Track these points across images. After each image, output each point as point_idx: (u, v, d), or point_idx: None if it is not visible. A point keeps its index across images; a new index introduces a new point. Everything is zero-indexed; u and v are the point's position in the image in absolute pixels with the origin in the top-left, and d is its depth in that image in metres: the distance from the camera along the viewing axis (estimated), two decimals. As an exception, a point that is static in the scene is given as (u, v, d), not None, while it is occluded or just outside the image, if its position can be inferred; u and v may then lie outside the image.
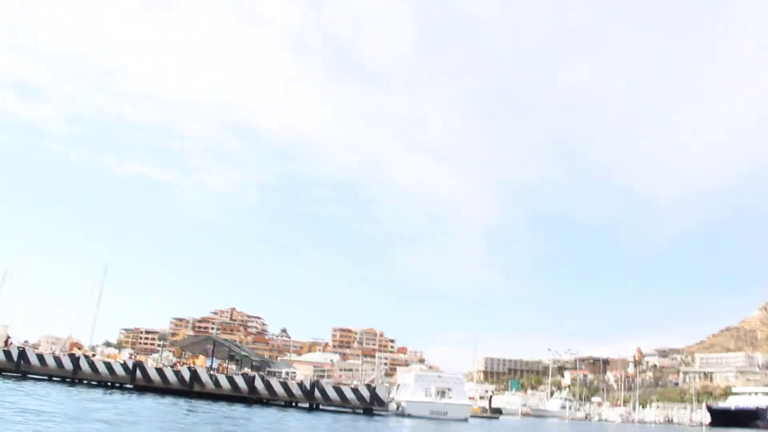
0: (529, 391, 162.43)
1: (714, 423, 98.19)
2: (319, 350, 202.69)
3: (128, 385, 53.76)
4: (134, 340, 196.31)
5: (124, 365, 54.11)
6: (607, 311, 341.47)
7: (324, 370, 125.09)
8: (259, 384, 52.79)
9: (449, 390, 57.71)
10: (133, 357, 70.68)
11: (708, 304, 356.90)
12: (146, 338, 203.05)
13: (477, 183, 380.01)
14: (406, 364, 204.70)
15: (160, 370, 53.52)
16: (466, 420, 55.20)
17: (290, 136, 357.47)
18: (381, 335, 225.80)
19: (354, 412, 51.05)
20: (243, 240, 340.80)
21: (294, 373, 68.52)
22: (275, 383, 53.40)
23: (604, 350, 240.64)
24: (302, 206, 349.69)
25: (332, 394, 52.77)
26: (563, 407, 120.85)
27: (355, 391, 53.11)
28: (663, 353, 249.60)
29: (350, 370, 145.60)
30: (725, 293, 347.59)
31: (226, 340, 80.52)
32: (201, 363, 72.34)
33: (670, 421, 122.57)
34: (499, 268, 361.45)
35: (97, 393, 42.25)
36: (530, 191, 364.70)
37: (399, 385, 60.50)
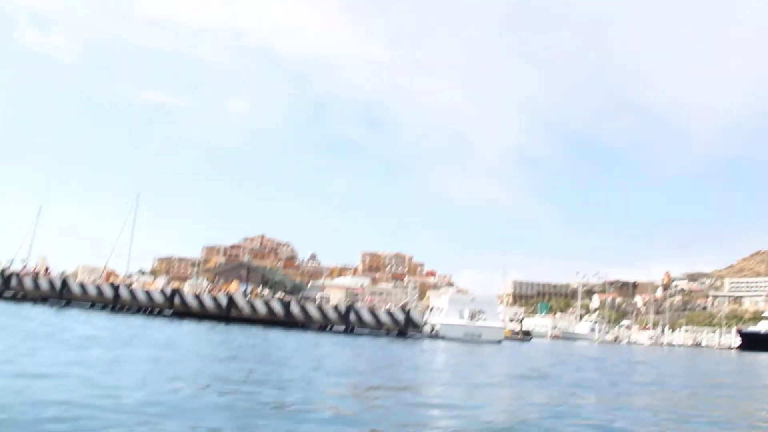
0: (558, 315, 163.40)
1: (744, 346, 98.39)
2: (349, 275, 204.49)
3: (166, 312, 54.96)
4: (168, 268, 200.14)
5: (163, 292, 55.11)
6: (636, 234, 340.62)
7: (355, 294, 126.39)
8: (295, 309, 53.64)
9: (483, 312, 58.20)
10: (168, 284, 71.81)
11: (738, 227, 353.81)
12: (179, 266, 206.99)
13: (501, 103, 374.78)
14: (435, 287, 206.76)
15: (197, 297, 54.49)
16: (499, 342, 55.82)
17: (310, 60, 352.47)
18: (410, 259, 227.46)
19: (388, 335, 51.74)
20: (268, 166, 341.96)
21: (327, 297, 69.46)
22: (311, 308, 54.19)
23: (632, 274, 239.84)
24: (325, 130, 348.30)
25: (367, 317, 53.50)
26: (592, 330, 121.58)
27: (390, 314, 53.77)
28: (692, 277, 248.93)
29: (381, 294, 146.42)
30: (756, 216, 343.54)
31: (259, 266, 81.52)
32: (234, 289, 73.55)
33: (698, 345, 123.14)
34: (525, 190, 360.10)
35: (138, 319, 43.16)
36: (556, 111, 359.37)
37: (432, 308, 61.05)
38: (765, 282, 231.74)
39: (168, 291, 55.47)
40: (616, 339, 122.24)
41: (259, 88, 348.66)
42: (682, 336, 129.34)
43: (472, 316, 57.45)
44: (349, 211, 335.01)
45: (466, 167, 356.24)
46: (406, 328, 53.09)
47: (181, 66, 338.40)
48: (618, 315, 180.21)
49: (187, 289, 67.41)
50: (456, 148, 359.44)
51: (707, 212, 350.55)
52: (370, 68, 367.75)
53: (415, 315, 53.85)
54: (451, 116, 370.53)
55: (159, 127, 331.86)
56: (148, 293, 54.87)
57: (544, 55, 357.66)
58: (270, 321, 52.75)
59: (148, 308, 54.83)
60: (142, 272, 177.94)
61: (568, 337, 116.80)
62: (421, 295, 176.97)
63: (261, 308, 53.63)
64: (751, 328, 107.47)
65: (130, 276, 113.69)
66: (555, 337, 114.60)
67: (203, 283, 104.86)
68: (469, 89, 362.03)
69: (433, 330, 56.42)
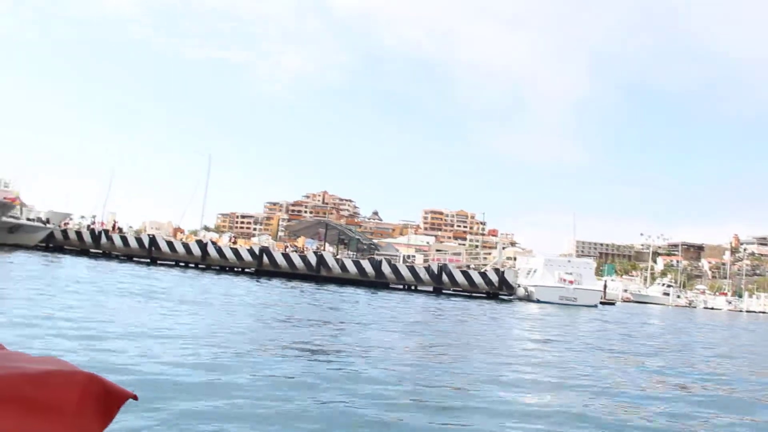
0: (624, 277, 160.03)
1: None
2: (411, 232, 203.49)
3: (249, 270, 54.65)
4: (231, 225, 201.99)
5: (251, 251, 54.69)
6: (703, 192, 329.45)
7: (423, 252, 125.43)
8: (386, 268, 52.72)
9: (579, 275, 56.46)
10: (232, 240, 71.29)
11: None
12: (242, 222, 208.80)
13: (560, 54, 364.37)
14: (496, 246, 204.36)
15: (286, 256, 53.96)
16: (595, 306, 54.11)
17: (365, 14, 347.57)
18: (472, 217, 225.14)
19: (478, 297, 50.55)
20: (328, 122, 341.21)
21: (407, 256, 68.43)
22: (402, 268, 53.20)
23: (698, 235, 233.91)
24: (383, 85, 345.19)
25: (460, 278, 52.33)
26: (665, 294, 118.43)
27: (484, 275, 52.49)
28: (762, 240, 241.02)
29: (446, 252, 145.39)
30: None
31: (338, 223, 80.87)
32: (301, 244, 73.16)
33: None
34: (587, 145, 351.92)
35: (227, 277, 42.64)
36: (618, 61, 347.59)
37: (528, 269, 59.43)
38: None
39: (256, 250, 54.99)
40: (690, 303, 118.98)
41: (316, 43, 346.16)
42: (761, 302, 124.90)
43: (568, 279, 55.76)
44: (410, 168, 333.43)
45: (525, 123, 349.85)
46: (500, 290, 51.82)
47: (239, 22, 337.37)
48: (684, 279, 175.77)
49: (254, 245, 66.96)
50: (515, 104, 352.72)
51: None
52: (424, 20, 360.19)
53: (510, 276, 52.40)
54: (507, 69, 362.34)
55: (219, 85, 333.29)
56: (236, 251, 54.52)
57: (606, 2, 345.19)
58: (359, 281, 52.11)
59: (236, 267, 54.66)
60: (207, 228, 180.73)
61: (640, 300, 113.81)
62: (487, 253, 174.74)
63: (351, 267, 52.86)
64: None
65: (195, 231, 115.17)
66: (626, 300, 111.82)
67: (268, 239, 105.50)
68: (527, 40, 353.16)
69: (526, 292, 54.96)
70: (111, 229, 59.20)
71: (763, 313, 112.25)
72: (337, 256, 56.56)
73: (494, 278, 52.08)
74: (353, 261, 53.97)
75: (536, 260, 61.23)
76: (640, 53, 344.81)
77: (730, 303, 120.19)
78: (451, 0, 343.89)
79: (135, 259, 54.91)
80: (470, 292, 52.29)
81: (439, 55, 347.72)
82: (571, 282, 54.79)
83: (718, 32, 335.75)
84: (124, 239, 56.07)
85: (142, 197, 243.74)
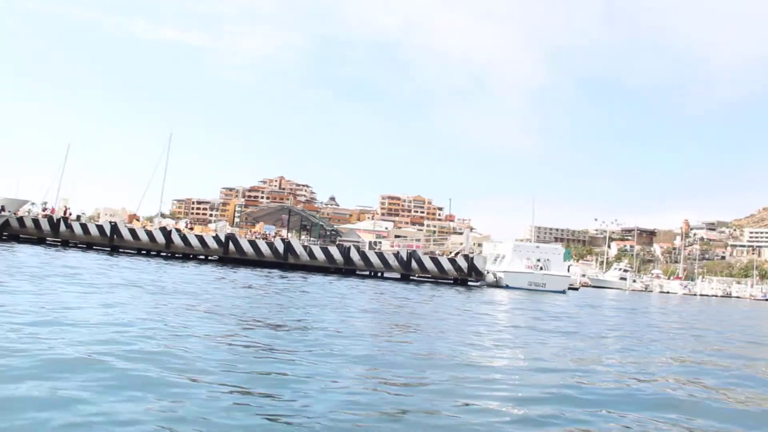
0: (580, 262, 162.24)
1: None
2: (368, 218, 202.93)
3: (213, 258, 53.55)
4: (186, 211, 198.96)
5: (217, 238, 53.54)
6: (655, 180, 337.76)
7: (382, 239, 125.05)
8: (354, 255, 52.18)
9: (548, 261, 56.74)
10: (189, 227, 69.44)
11: (760, 175, 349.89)
12: (198, 208, 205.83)
13: (522, 44, 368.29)
14: (454, 231, 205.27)
15: (253, 243, 52.98)
16: (564, 292, 54.42)
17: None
18: (429, 203, 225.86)
19: (447, 283, 50.41)
20: (285, 106, 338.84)
21: (373, 242, 67.97)
22: (371, 254, 52.72)
23: (650, 221, 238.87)
24: (342, 69, 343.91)
25: (429, 264, 52.08)
26: (622, 278, 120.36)
27: (453, 261, 52.29)
28: (711, 226, 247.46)
29: (405, 237, 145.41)
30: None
31: (302, 209, 79.95)
32: (259, 230, 72.11)
33: (728, 296, 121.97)
34: (544, 133, 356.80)
35: (191, 266, 41.48)
36: (579, 54, 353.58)
37: (496, 255, 59.44)
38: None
39: (222, 237, 53.89)
40: (646, 288, 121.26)
41: (274, 25, 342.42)
42: (712, 286, 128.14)
43: (537, 265, 56.00)
44: (367, 153, 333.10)
45: (483, 109, 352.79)
46: (469, 276, 51.74)
47: (192, 2, 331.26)
48: (638, 263, 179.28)
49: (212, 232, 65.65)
50: (474, 89, 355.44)
51: (729, 158, 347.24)
52: (388, 6, 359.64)
53: (479, 262, 52.32)
54: (469, 57, 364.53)
55: (173, 66, 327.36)
56: (201, 238, 53.35)
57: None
58: (327, 268, 51.55)
59: (201, 254, 53.57)
60: (162, 215, 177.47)
61: (598, 284, 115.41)
62: (442, 239, 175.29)
63: (319, 255, 52.21)
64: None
65: (151, 218, 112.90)
66: (584, 285, 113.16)
67: (225, 226, 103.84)
68: (490, 29, 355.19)
69: (495, 278, 55.02)
70: (63, 215, 57.24)
71: (715, 296, 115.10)
72: (304, 243, 55.81)
73: (463, 264, 51.93)
74: (321, 248, 53.29)
75: (504, 246, 61.33)
76: (600, 47, 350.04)
77: (684, 287, 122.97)
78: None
79: (96, 247, 53.33)
80: (439, 278, 52.13)
81: (403, 40, 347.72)
82: (540, 268, 55.13)
83: (680, 29, 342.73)
84: (84, 227, 54.39)
85: (95, 183, 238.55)
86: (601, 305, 40.93)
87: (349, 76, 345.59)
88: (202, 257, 54.06)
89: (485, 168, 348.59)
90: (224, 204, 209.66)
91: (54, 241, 54.24)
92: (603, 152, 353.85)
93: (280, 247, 52.39)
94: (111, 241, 53.29)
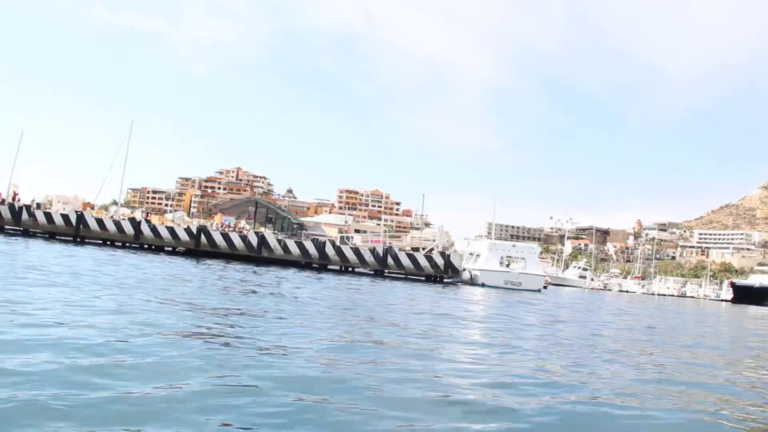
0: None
1: (736, 299, 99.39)
2: (326, 211, 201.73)
3: (180, 250, 52.01)
4: (141, 200, 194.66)
5: (188, 230, 52.10)
6: (609, 181, 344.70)
7: (344, 233, 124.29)
8: (330, 250, 51.37)
9: (523, 260, 56.72)
10: (145, 216, 67.30)
11: (709, 180, 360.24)
12: (153, 198, 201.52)
13: (483, 44, 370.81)
14: (411, 227, 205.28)
15: (225, 236, 51.69)
16: (539, 291, 54.44)
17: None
18: (387, 197, 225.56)
19: (420, 280, 49.98)
20: (243, 97, 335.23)
21: (345, 237, 67.19)
22: (347, 250, 51.97)
23: (604, 221, 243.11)
24: (302, 62, 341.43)
25: (405, 261, 51.58)
26: (582, 277, 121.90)
27: (429, 258, 51.86)
28: (662, 227, 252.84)
29: (365, 232, 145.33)
30: (727, 170, 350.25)
31: (269, 202, 78.60)
32: (218, 221, 70.64)
33: (683, 295, 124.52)
34: (502, 132, 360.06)
35: (161, 258, 40.11)
36: (539, 55, 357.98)
37: (470, 253, 59.18)
38: (732, 235, 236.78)
39: (193, 229, 52.46)
40: (605, 286, 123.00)
41: (234, 15, 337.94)
42: (668, 285, 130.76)
43: (513, 263, 55.97)
44: (325, 146, 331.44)
45: (442, 106, 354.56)
46: (445, 273, 51.39)
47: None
48: (594, 262, 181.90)
49: (168, 222, 64.01)
50: (433, 86, 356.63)
51: (680, 163, 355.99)
52: (362, 3, 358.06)
53: (456, 260, 51.98)
54: (429, 54, 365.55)
55: (129, 53, 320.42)
56: (172, 230, 51.85)
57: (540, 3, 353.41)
58: (302, 263, 50.64)
59: (171, 246, 52.02)
60: (116, 203, 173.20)
61: (558, 283, 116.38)
62: (398, 234, 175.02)
63: (294, 249, 51.26)
64: (743, 282, 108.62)
65: (106, 207, 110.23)
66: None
67: (183, 216, 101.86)
68: (451, 28, 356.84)
69: (471, 276, 54.75)
70: (12, 201, 54.91)
71: (672, 296, 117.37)
72: (279, 237, 54.70)
73: (440, 261, 51.53)
74: (296, 242, 52.33)
75: (480, 244, 61.15)
76: (561, 50, 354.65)
77: (642, 286, 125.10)
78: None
79: (59, 237, 51.36)
80: (415, 275, 51.67)
81: (364, 36, 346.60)
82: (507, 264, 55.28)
83: (639, 37, 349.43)
84: (48, 216, 52.39)
85: (46, 170, 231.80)
86: (599, 307, 40.88)
87: (309, 70, 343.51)
88: (170, 249, 52.42)
89: (442, 164, 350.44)
90: (180, 194, 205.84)
91: (14, 229, 52.03)
92: (558, 152, 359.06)
93: (254, 241, 51.24)
94: (77, 231, 51.40)
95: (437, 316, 18.76)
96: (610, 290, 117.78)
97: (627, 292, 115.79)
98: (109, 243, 51.41)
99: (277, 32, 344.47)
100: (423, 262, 51.63)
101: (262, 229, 67.42)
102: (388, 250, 52.15)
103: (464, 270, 53.99)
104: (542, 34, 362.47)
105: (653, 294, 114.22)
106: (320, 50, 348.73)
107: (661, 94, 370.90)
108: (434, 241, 59.17)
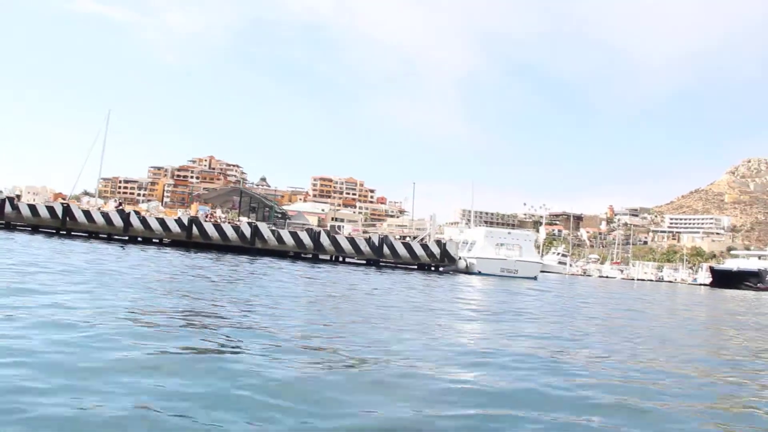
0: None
1: (714, 283, 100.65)
2: (300, 199, 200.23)
3: (166, 241, 50.74)
4: (113, 190, 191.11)
5: (179, 221, 50.94)
6: (581, 167, 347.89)
7: (320, 220, 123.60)
8: (325, 240, 50.64)
9: (520, 247, 56.48)
10: (119, 206, 65.54)
11: (679, 165, 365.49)
12: (125, 187, 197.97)
13: (454, 30, 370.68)
14: (386, 214, 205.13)
15: (218, 226, 50.67)
16: (535, 278, 54.31)
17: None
18: (361, 185, 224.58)
19: (418, 269, 49.56)
20: (214, 85, 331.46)
21: (337, 227, 66.55)
22: (342, 240, 51.30)
23: (576, 206, 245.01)
24: (273, 50, 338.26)
25: (401, 250, 51.08)
26: (561, 263, 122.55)
27: (425, 247, 51.45)
28: (634, 212, 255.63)
29: (342, 220, 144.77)
30: (696, 156, 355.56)
31: (254, 192, 77.48)
32: (194, 211, 69.43)
33: (660, 280, 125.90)
34: (474, 119, 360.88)
35: (151, 251, 38.94)
36: (510, 41, 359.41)
37: (465, 241, 58.78)
38: (702, 219, 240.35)
39: (185, 220, 51.28)
40: (585, 272, 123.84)
41: (202, 3, 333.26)
42: (645, 270, 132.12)
43: (509, 251, 55.69)
44: (298, 134, 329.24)
45: (414, 94, 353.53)
46: (441, 262, 51.00)
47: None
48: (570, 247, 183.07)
49: (143, 213, 62.54)
50: (405, 73, 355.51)
51: (651, 148, 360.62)
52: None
53: (452, 249, 51.58)
54: (402, 40, 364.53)
55: (96, 41, 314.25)
56: (162, 221, 50.69)
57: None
58: (296, 253, 49.91)
59: (162, 238, 50.78)
60: (87, 193, 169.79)
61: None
62: (373, 222, 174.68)
63: (288, 239, 50.44)
64: (722, 266, 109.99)
65: (78, 197, 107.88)
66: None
67: (158, 207, 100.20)
68: (422, 14, 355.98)
69: (467, 265, 54.37)
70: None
71: (651, 281, 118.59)
72: (272, 228, 53.79)
73: (436, 250, 51.13)
74: (290, 232, 51.47)
75: (475, 232, 60.83)
76: (532, 36, 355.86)
77: (622, 272, 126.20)
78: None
79: (44, 230, 49.89)
80: (410, 264, 51.20)
81: (335, 23, 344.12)
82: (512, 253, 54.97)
83: (611, 24, 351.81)
84: (32, 208, 50.91)
85: (13, 161, 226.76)
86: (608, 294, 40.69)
87: (279, 57, 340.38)
88: (158, 241, 51.11)
89: (415, 151, 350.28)
90: (153, 183, 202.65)
91: (-3, 223, 50.42)
92: (530, 138, 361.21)
93: (247, 231, 50.32)
94: (63, 224, 50.01)
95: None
96: (590, 276, 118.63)
97: (607, 277, 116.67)
98: (95, 236, 50.04)
99: (246, 19, 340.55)
100: (419, 251, 51.17)
101: (243, 219, 66.40)
102: (384, 240, 51.64)
103: (460, 258, 53.61)
104: (514, 21, 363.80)
105: (632, 279, 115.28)
106: (290, 37, 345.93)
107: (632, 80, 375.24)
108: (419, 229, 58.79)
